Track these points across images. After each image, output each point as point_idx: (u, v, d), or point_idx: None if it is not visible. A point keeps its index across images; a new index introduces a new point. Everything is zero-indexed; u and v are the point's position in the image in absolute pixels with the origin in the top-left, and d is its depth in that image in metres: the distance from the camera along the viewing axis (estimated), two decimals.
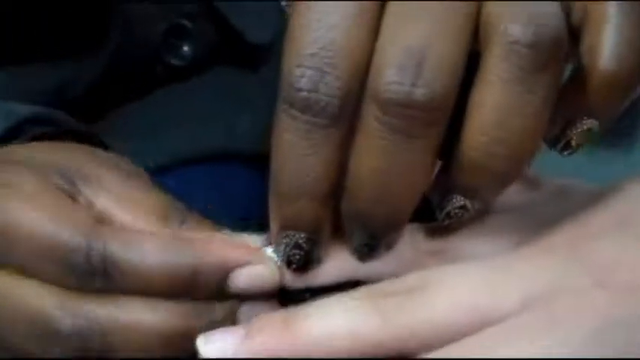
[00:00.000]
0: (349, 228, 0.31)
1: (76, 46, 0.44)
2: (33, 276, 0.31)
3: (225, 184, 0.42)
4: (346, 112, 0.29)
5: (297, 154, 0.29)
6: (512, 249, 0.31)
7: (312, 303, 0.31)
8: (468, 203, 0.31)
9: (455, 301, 0.29)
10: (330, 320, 0.30)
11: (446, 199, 0.31)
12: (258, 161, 0.46)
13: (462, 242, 0.33)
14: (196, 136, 0.48)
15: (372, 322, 0.29)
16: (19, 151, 0.35)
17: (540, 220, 0.32)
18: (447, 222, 0.31)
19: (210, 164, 0.47)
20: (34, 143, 0.36)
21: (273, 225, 0.31)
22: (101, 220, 0.32)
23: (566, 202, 0.33)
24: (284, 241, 0.31)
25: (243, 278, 0.32)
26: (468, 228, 0.33)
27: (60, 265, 0.30)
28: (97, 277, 0.30)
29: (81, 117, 0.40)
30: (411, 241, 0.33)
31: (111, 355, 0.31)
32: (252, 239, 0.33)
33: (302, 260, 0.32)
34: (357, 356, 0.30)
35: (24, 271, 0.31)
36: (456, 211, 0.31)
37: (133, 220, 0.33)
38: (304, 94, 0.28)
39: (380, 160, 0.29)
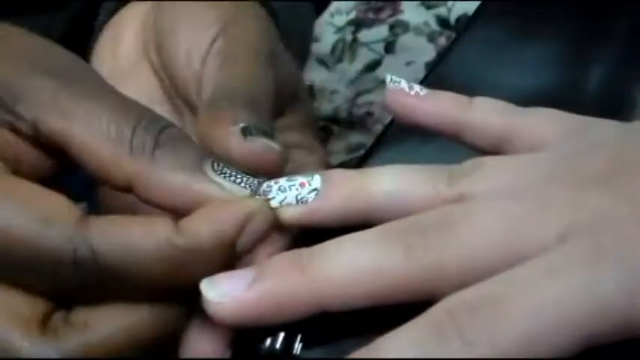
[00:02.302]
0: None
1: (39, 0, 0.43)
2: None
3: None
4: None
5: None
6: (541, 185, 0.29)
7: (328, 241, 0.29)
8: None
9: (485, 237, 0.27)
10: (351, 258, 0.28)
11: None
12: None
13: (487, 182, 0.30)
14: None
15: (398, 260, 0.28)
16: None
17: (567, 154, 0.30)
18: None
19: None
20: None
21: None
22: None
23: (594, 135, 0.31)
24: None
25: (248, 238, 0.30)
26: (492, 168, 0.31)
27: (49, 278, 0.29)
28: (92, 288, 0.29)
29: None
30: (433, 182, 0.31)
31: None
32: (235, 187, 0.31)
33: None
34: (381, 299, 0.28)
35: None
36: None
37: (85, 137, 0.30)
38: None
39: None
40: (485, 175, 0.30)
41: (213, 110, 0.33)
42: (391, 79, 0.34)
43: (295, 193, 0.31)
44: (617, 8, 0.45)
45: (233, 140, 0.32)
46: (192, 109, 0.37)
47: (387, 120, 0.36)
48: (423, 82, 0.36)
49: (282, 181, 0.31)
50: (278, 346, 0.29)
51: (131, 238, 0.29)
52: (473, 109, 0.33)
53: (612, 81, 0.42)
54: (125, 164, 0.30)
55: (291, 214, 0.31)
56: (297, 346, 0.29)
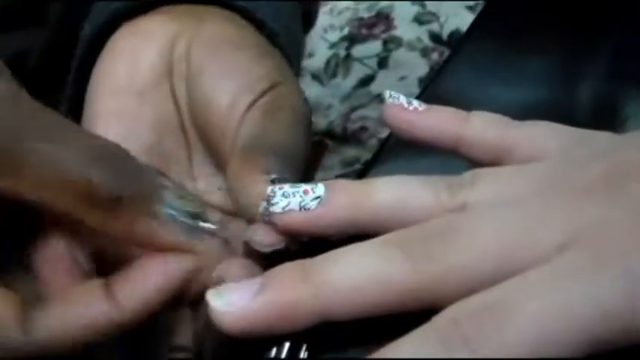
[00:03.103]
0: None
1: (18, 17, 0.43)
2: None
3: None
4: None
5: None
6: (541, 195, 0.29)
7: (331, 252, 0.29)
8: None
9: (487, 246, 0.28)
10: (354, 268, 0.28)
11: None
12: None
13: (487, 192, 0.31)
14: None
15: (401, 269, 0.28)
16: None
17: (565, 164, 0.31)
18: None
19: None
20: None
21: None
22: None
23: (591, 146, 0.31)
24: None
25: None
26: (492, 179, 0.31)
27: None
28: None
29: (44, 90, 0.38)
30: (434, 192, 0.31)
31: None
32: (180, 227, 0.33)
33: None
34: (384, 308, 0.28)
35: None
36: None
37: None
38: None
39: None
40: (485, 186, 0.31)
41: (246, 156, 0.34)
42: (390, 95, 0.35)
43: (299, 200, 0.31)
44: (602, 29, 0.46)
45: (261, 188, 0.32)
46: (219, 155, 0.37)
47: (382, 134, 0.36)
48: (419, 99, 0.37)
49: (286, 187, 0.32)
50: (283, 355, 0.30)
51: (69, 327, 0.31)
52: (471, 122, 0.34)
53: (603, 96, 0.43)
54: (107, 225, 0.32)
55: (294, 221, 0.31)
56: (303, 356, 0.30)
